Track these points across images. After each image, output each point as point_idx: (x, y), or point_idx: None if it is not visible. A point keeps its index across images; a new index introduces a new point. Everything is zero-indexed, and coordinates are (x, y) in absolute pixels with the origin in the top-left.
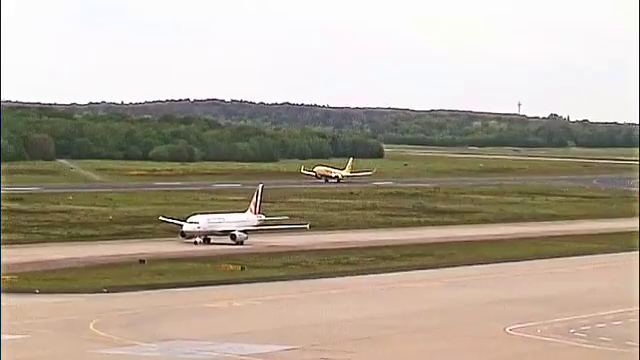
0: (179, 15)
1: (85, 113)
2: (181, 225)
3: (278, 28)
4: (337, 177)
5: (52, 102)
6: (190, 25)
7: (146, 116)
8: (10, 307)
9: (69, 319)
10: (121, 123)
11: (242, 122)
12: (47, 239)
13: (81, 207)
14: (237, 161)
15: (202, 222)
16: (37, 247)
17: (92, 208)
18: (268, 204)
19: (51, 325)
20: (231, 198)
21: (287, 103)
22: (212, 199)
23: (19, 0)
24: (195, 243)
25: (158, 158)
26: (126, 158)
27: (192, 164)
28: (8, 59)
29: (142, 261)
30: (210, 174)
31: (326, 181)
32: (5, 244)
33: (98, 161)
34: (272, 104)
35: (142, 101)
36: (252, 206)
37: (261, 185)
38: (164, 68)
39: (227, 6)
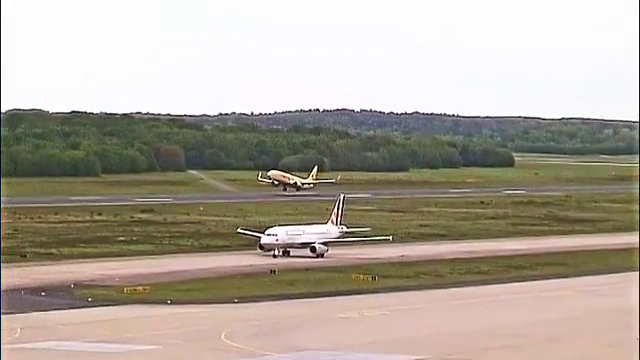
0: (308, 26)
1: (215, 124)
2: (259, 237)
3: (407, 38)
4: (295, 184)
5: (183, 113)
6: (319, 35)
7: (276, 126)
8: (142, 318)
9: (200, 329)
10: (251, 134)
11: (371, 132)
12: (178, 250)
13: (212, 218)
14: (367, 171)
15: (280, 234)
16: (169, 258)
17: (223, 219)
18: (400, 214)
19: (182, 335)
20: (361, 208)
21: (416, 112)
22: None
23: (147, 16)
24: (274, 256)
25: (288, 168)
26: (256, 168)
27: (322, 174)
28: (139, 72)
29: (273, 271)
30: (340, 184)
31: (285, 189)
32: (137, 255)
33: (228, 172)
34: (401, 113)
35: (272, 112)
36: (333, 217)
37: (342, 195)
38: (294, 79)
39: (355, 17)
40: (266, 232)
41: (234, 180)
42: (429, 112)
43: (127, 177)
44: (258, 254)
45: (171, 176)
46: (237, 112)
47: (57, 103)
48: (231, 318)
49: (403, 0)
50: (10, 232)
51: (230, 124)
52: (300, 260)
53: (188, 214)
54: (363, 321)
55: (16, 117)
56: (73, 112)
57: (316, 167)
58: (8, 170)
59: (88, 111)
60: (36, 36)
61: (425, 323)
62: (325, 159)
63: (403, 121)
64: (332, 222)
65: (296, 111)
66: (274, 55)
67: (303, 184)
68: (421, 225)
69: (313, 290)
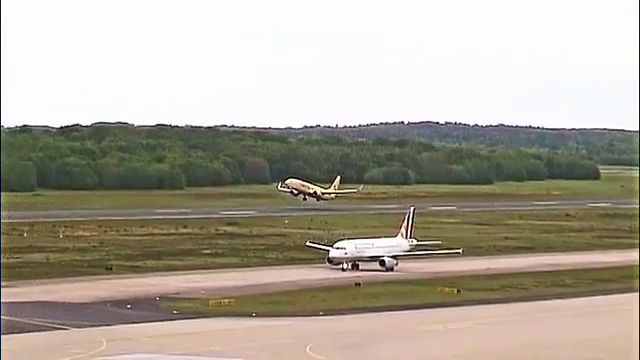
0: (392, 39)
1: (300, 137)
2: (328, 251)
3: (489, 49)
4: (315, 193)
5: (267, 126)
6: (402, 49)
7: (360, 139)
8: (227, 331)
9: (285, 342)
10: (335, 146)
11: (456, 144)
12: (263, 262)
13: (296, 230)
14: (452, 183)
15: (349, 248)
16: (254, 270)
17: (307, 231)
18: (485, 226)
19: (267, 348)
20: (446, 220)
21: (502, 125)
22: (427, 222)
23: (232, 30)
24: (342, 270)
25: (373, 181)
26: (341, 181)
27: (407, 187)
28: (224, 86)
29: (358, 284)
30: (425, 196)
31: (305, 199)
32: (222, 268)
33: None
34: (486, 126)
35: (356, 124)
36: (403, 230)
37: (412, 208)
38: (378, 91)
39: (436, 30)
40: (335, 245)
41: None
42: (514, 124)
43: (212, 190)
44: (328, 268)
45: (256, 189)
46: (322, 125)
47: (142, 116)
48: (316, 331)
49: (480, 11)
50: (96, 245)
51: (315, 137)
52: (381, 273)
53: (273, 227)
54: (448, 334)
55: (101, 130)
56: (158, 125)
57: (339, 177)
58: (94, 183)
59: (173, 124)
60: (120, 50)
61: (511, 336)
62: (410, 172)
63: (488, 133)
64: (402, 235)
65: (381, 124)
66: (359, 68)
67: (323, 194)
68: (506, 238)
69: (398, 303)
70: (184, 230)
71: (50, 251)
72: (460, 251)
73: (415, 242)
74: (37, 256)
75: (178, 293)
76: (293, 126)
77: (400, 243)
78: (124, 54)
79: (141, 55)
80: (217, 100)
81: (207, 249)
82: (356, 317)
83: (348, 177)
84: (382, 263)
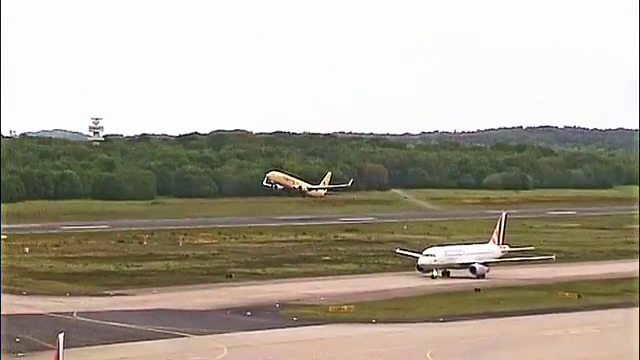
0: (507, 42)
1: (418, 143)
2: (417, 258)
3: (605, 51)
4: (300, 188)
5: (385, 132)
6: (520, 52)
7: (478, 144)
8: (347, 337)
9: (405, 348)
10: (454, 152)
11: (575, 148)
12: (383, 269)
13: (415, 236)
14: (571, 188)
15: (439, 255)
16: (373, 277)
17: (426, 237)
18: (605, 231)
19: (388, 355)
20: (566, 225)
21: (621, 129)
22: (547, 226)
23: (339, 33)
24: (432, 277)
25: (491, 186)
26: (459, 187)
27: (526, 191)
28: (341, 92)
29: (478, 289)
30: (544, 201)
31: (303, 195)
32: (341, 274)
33: (431, 190)
34: (606, 130)
35: (474, 130)
36: (495, 236)
37: (504, 213)
38: (496, 96)
39: (554, 32)
40: (424, 252)
41: (437, 199)
42: (634, 128)
43: (331, 196)
44: (418, 275)
45: (374, 195)
46: (440, 130)
47: (260, 123)
48: (436, 337)
49: (596, 10)
50: (216, 252)
51: (433, 142)
52: (508, 278)
53: (392, 233)
54: (570, 339)
55: (220, 138)
56: (276, 132)
57: (330, 173)
58: (212, 191)
59: (291, 131)
60: (237, 58)
61: (634, 341)
62: (529, 176)
63: (607, 137)
64: (494, 241)
65: (499, 129)
66: (475, 73)
67: (310, 189)
68: (627, 242)
69: (518, 308)
70: (303, 237)
71: (170, 259)
72: (553, 257)
73: (508, 248)
74: (157, 264)
75: (298, 300)
76: (411, 132)
77: (492, 249)
78: (241, 62)
79: (258, 63)
80: (335, 107)
81: (326, 256)
82: (476, 322)
83: (466, 182)
84: (472, 270)
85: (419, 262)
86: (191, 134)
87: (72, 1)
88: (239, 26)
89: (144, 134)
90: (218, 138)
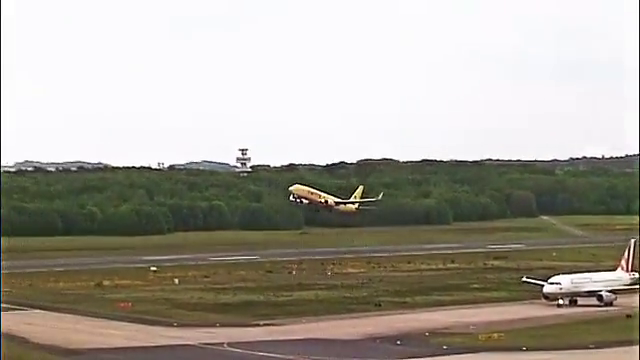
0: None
1: (566, 169)
2: (543, 286)
3: None
4: (327, 202)
5: (533, 159)
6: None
7: (628, 170)
8: None
9: None
10: (602, 178)
11: None
12: (532, 296)
13: (565, 263)
14: None
15: (564, 283)
16: (522, 304)
17: (576, 264)
18: None
19: None
20: None
21: None
22: None
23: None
24: (558, 305)
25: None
26: (608, 213)
27: None
28: (483, 119)
29: (629, 315)
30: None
31: (317, 210)
32: (491, 302)
33: (580, 216)
34: None
35: (623, 155)
36: (623, 263)
37: (633, 240)
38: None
39: None
40: (549, 280)
41: (586, 225)
42: None
43: (478, 224)
44: (544, 304)
45: (523, 222)
46: (588, 156)
47: (407, 152)
48: None
49: None
50: (364, 281)
51: (581, 168)
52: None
53: (540, 260)
54: None
55: (367, 167)
56: (423, 160)
57: (361, 187)
58: (360, 220)
59: (438, 159)
60: (376, 85)
61: None
62: None
63: None
64: (622, 268)
65: None
66: (622, 97)
67: (337, 204)
68: None
69: None
70: (452, 265)
71: (319, 288)
72: None
73: (637, 275)
74: (306, 294)
75: (448, 328)
76: (559, 158)
77: (621, 277)
78: (387, 90)
79: (403, 91)
80: (482, 134)
81: (475, 283)
82: (628, 349)
83: (615, 208)
84: (600, 298)
85: (544, 290)
86: (338, 163)
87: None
88: (379, 55)
89: (291, 164)
90: (365, 167)
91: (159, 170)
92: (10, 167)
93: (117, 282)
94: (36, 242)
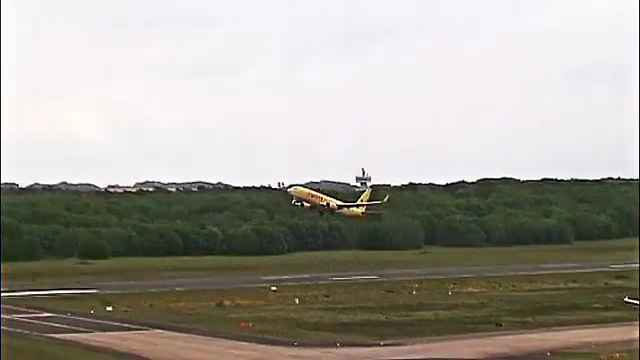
0: None
1: None
2: None
3: None
4: (328, 205)
5: None
6: None
7: None
8: None
9: None
10: None
11: None
12: None
13: None
14: None
15: None
16: None
17: None
18: None
19: None
20: None
21: None
22: None
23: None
24: None
25: None
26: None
27: None
28: (605, 137)
29: None
30: None
31: (321, 213)
32: (612, 322)
33: None
34: None
35: None
36: None
37: None
38: None
39: None
40: None
41: None
42: None
43: (600, 243)
44: None
45: None
46: None
47: (528, 171)
48: None
49: None
50: (484, 301)
51: None
52: None
53: None
54: None
55: (487, 186)
56: (544, 179)
57: (369, 190)
58: (480, 239)
59: (559, 178)
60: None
61: None
62: None
63: None
64: None
65: None
66: None
67: (340, 207)
68: None
69: None
70: (573, 285)
71: (439, 308)
72: None
73: None
74: (427, 313)
75: (569, 348)
76: None
77: None
78: (506, 107)
79: (522, 108)
80: (603, 153)
81: (596, 303)
82: None
83: None
84: None
85: None
86: (458, 182)
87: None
88: (497, 72)
89: (411, 183)
90: (485, 186)
91: (279, 190)
92: (131, 188)
93: (238, 302)
94: (157, 262)
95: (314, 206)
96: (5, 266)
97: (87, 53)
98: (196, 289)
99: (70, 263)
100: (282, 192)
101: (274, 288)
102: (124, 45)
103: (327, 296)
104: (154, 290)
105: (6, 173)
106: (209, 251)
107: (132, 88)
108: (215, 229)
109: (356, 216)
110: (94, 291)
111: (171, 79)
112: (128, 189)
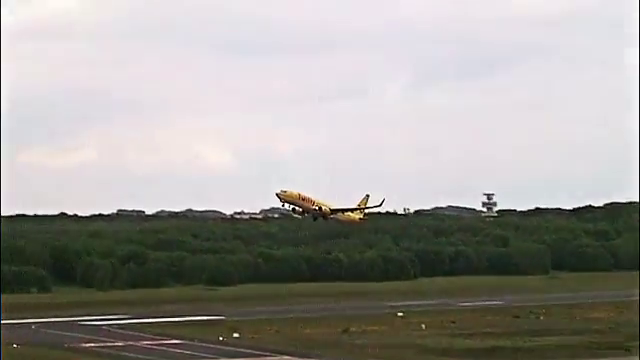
0: None
1: None
2: None
3: None
4: (320, 209)
5: None
6: None
7: None
8: None
9: None
10: None
11: None
12: None
13: None
14: None
15: None
16: None
17: None
18: None
19: None
20: None
21: None
22: None
23: None
24: None
25: None
26: None
27: None
28: None
29: None
30: None
31: (315, 219)
32: None
33: None
34: None
35: None
36: None
37: None
38: None
39: None
40: None
41: None
42: None
43: None
44: None
45: None
46: None
47: None
48: None
49: None
50: (612, 326)
51: None
52: None
53: None
54: None
55: (616, 210)
56: None
57: (367, 195)
58: (608, 264)
59: None
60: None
61: None
62: None
63: None
64: None
65: None
66: None
67: (334, 211)
68: None
69: None
70: None
71: (566, 333)
72: None
73: None
74: (554, 339)
75: None
76: None
77: None
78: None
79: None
80: None
81: None
82: None
83: None
84: None
85: None
86: (585, 207)
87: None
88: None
89: (537, 208)
90: (613, 210)
91: (405, 215)
92: (257, 214)
93: (364, 328)
94: (283, 288)
95: (304, 209)
96: (131, 293)
97: (214, 82)
98: (322, 315)
99: (196, 290)
100: (408, 217)
101: (400, 314)
102: (251, 73)
103: (453, 322)
104: (280, 316)
105: (133, 201)
106: (335, 277)
107: (259, 115)
108: (341, 255)
109: (352, 221)
110: (221, 318)
111: (298, 105)
112: (254, 215)
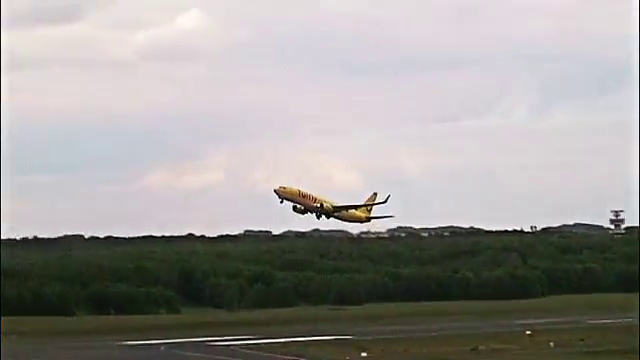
0: None
1: None
2: None
3: None
4: (321, 206)
5: None
6: None
7: None
8: None
9: None
10: None
11: None
12: None
13: None
14: None
15: None
16: None
17: None
18: None
19: None
20: None
21: None
22: None
23: None
24: None
25: None
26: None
27: None
28: None
29: None
30: None
31: (318, 217)
32: None
33: None
34: None
35: None
36: None
37: None
38: None
39: None
40: None
41: None
42: None
43: None
44: None
45: None
46: None
47: None
48: None
49: None
50: None
51: None
52: None
53: None
54: None
55: None
56: None
57: (375, 194)
58: None
59: None
60: None
61: None
62: None
63: None
64: None
65: None
66: None
67: (337, 208)
68: None
69: None
70: None
71: None
72: None
73: None
74: None
75: None
76: None
77: None
78: None
79: None
80: None
81: None
82: None
83: None
84: None
85: None
86: None
87: None
88: None
89: None
90: None
91: (532, 233)
92: (383, 233)
93: (492, 346)
94: (410, 307)
95: (305, 206)
96: (259, 313)
97: (341, 102)
98: (450, 334)
99: (324, 309)
100: (536, 235)
101: (529, 332)
102: (377, 91)
103: (582, 340)
104: (408, 335)
105: (260, 221)
106: (463, 295)
107: (385, 134)
108: (469, 274)
109: (358, 220)
110: (349, 337)
111: (423, 123)
112: (381, 235)
